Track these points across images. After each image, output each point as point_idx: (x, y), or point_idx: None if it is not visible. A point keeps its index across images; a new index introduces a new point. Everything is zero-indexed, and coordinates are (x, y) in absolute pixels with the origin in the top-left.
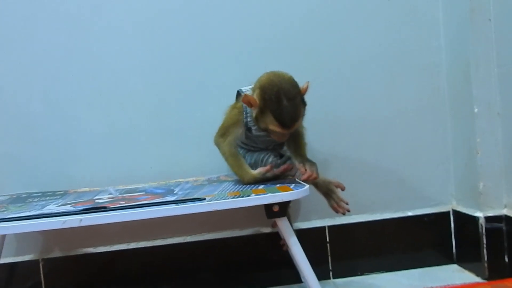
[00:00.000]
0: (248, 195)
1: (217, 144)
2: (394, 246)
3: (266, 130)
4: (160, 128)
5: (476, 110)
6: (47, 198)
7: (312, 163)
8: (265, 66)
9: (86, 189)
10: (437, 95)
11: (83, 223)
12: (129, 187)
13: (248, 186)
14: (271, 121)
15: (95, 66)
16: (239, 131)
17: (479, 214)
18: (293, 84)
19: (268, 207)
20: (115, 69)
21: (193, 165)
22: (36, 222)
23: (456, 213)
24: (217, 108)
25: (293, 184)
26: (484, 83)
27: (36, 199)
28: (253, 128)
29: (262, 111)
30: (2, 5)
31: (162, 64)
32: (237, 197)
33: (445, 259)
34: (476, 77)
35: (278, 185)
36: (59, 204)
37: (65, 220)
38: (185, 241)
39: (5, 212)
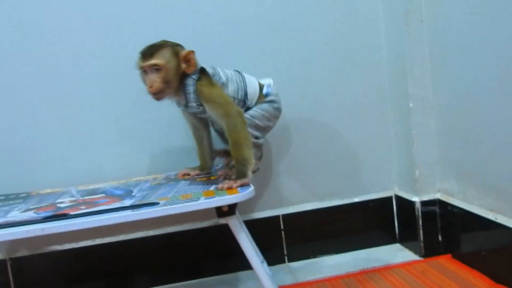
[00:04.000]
0: (198, 199)
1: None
2: (343, 230)
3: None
4: (119, 130)
5: (411, 105)
6: (11, 202)
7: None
8: (215, 64)
9: (49, 190)
10: (379, 91)
11: (45, 232)
12: (90, 187)
13: (203, 187)
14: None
15: (52, 72)
16: None
17: (415, 198)
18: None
19: (218, 208)
20: (72, 75)
21: (151, 163)
22: (0, 233)
23: (398, 198)
24: (171, 111)
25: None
26: (418, 80)
27: (0, 204)
28: (178, 107)
29: None
30: None
31: (118, 69)
32: (188, 201)
33: (389, 239)
34: (411, 74)
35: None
36: (22, 210)
37: (28, 230)
38: (148, 235)
39: None
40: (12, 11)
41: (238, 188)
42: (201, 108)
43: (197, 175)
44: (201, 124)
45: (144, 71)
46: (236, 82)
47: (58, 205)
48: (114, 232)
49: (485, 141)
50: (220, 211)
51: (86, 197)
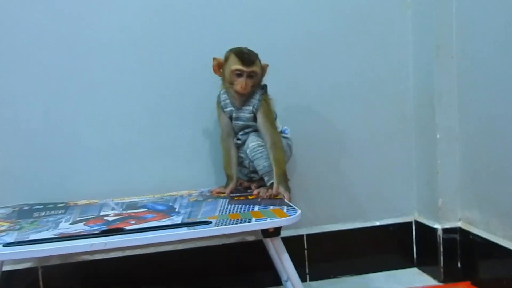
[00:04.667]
0: (250, 220)
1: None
2: (363, 252)
3: (231, 82)
4: (155, 145)
5: (438, 135)
6: (52, 212)
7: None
8: None
9: (85, 201)
10: (404, 120)
11: (108, 246)
12: (127, 200)
13: (246, 207)
14: (233, 61)
15: (95, 87)
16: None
17: (437, 226)
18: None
19: (264, 229)
20: (114, 90)
21: (185, 179)
22: (65, 246)
23: (418, 223)
24: (206, 128)
25: (285, 208)
26: (446, 112)
27: (42, 213)
28: (224, 109)
29: (226, 60)
30: (4, 27)
31: (157, 86)
32: (241, 221)
33: (407, 263)
34: (439, 106)
35: (271, 207)
36: (70, 222)
37: (92, 244)
38: (176, 248)
39: (23, 232)
40: (59, 27)
41: (287, 211)
42: (252, 115)
43: (231, 192)
44: (233, 133)
45: (240, 73)
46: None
47: (105, 218)
48: (143, 244)
49: (511, 174)
50: (266, 232)
51: (129, 211)
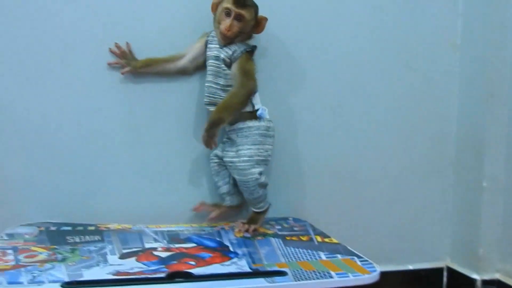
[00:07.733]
0: (329, 274)
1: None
2: None
3: (219, 21)
4: (196, 168)
5: (484, 184)
6: (86, 237)
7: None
8: None
9: (116, 225)
10: (444, 162)
11: None
12: (164, 229)
13: (310, 253)
14: (227, 0)
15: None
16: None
17: (476, 276)
18: None
19: None
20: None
21: None
22: None
23: (450, 270)
24: None
25: (357, 259)
26: (494, 161)
27: (77, 239)
28: (208, 44)
29: (220, 1)
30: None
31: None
32: (320, 276)
33: None
34: (488, 154)
35: (340, 257)
36: (118, 255)
37: None
38: None
39: (70, 265)
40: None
41: (363, 265)
42: (228, 61)
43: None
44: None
45: (228, 13)
46: None
47: (154, 252)
48: None
49: None
50: None
51: (177, 245)
